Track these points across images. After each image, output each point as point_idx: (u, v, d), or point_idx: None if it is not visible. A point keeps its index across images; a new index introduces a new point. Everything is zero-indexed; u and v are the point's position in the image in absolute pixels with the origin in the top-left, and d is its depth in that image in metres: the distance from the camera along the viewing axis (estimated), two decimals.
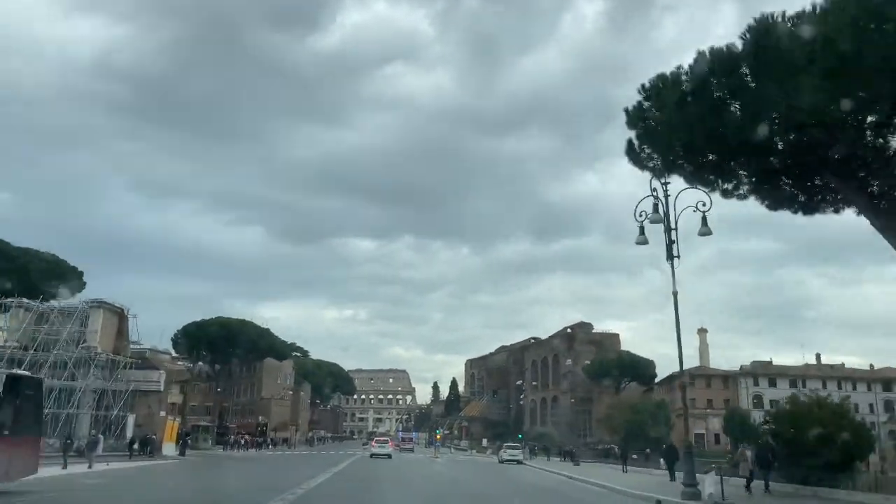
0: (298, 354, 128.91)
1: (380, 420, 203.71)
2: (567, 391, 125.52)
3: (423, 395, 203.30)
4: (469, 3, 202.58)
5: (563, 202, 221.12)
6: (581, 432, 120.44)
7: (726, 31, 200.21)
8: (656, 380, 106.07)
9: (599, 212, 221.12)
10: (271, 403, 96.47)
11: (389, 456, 55.12)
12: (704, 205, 22.68)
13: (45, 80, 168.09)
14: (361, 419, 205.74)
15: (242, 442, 71.13)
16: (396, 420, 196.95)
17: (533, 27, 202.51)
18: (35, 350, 44.32)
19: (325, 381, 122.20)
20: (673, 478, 30.33)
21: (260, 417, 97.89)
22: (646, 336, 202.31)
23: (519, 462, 50.69)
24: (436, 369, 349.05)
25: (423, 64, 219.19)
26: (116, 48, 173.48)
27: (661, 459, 39.47)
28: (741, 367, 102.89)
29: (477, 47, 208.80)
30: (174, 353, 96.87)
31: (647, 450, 66.70)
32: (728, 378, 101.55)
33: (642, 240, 24.47)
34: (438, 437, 68.47)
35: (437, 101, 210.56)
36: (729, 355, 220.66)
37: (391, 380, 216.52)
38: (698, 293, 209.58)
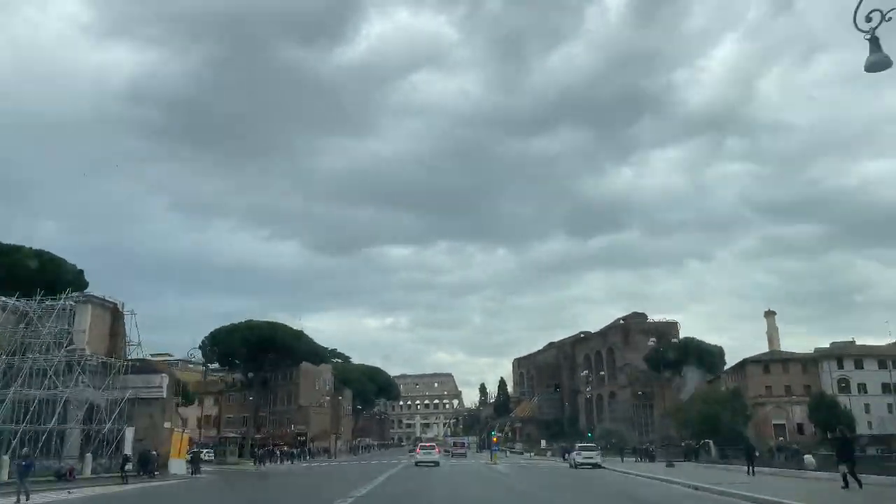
0: (339, 360, 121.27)
1: (427, 425, 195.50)
2: (626, 385, 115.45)
3: (470, 399, 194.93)
4: (491, 5, 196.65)
5: (598, 198, 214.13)
6: (643, 428, 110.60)
7: (758, 13, 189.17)
8: (724, 368, 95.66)
9: (636, 205, 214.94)
10: (310, 411, 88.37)
11: (437, 464, 47.23)
12: None
13: (81, 108, 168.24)
14: (409, 425, 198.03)
15: (278, 454, 62.75)
16: (444, 425, 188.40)
17: (557, 23, 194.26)
18: (13, 355, 36.46)
19: (368, 386, 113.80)
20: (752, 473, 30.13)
21: (299, 426, 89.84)
22: (692, 330, 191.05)
23: (596, 465, 41.57)
24: (480, 372, 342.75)
25: (448, 69, 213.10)
26: (148, 73, 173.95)
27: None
28: (815, 349, 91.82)
29: (501, 48, 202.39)
30: (204, 363, 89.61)
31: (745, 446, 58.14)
32: (807, 362, 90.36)
33: (880, 58, 12.13)
34: (496, 439, 59.38)
35: (465, 104, 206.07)
36: (788, 343, 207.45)
37: (436, 384, 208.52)
38: (745, 281, 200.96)
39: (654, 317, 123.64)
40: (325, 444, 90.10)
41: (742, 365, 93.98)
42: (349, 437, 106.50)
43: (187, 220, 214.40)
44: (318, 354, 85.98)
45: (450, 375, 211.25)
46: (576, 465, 42.12)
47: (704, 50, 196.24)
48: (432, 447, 49.37)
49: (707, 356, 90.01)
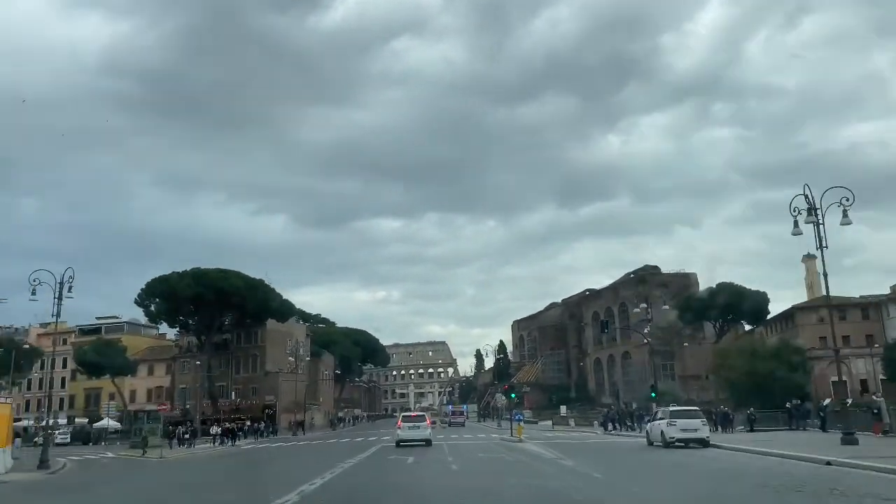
0: (322, 325, 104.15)
1: (422, 395, 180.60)
2: (641, 344, 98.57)
3: (465, 369, 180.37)
4: None
5: (586, 166, 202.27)
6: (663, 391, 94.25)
7: None
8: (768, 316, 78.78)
9: (624, 173, 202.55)
10: (279, 379, 70.96)
11: (428, 443, 31.12)
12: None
13: (56, 82, 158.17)
14: (402, 395, 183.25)
15: (219, 431, 45.62)
16: (440, 394, 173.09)
17: None
18: None
19: (352, 351, 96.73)
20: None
21: (267, 397, 72.63)
22: None
23: (704, 443, 24.59)
24: (473, 343, 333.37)
25: (430, 35, 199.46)
26: (120, 44, 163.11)
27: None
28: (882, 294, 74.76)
29: (485, 13, 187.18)
30: (147, 322, 72.36)
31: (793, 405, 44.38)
32: (868, 307, 73.47)
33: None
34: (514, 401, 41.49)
35: (449, 72, 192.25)
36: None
37: (430, 353, 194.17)
38: (734, 246, 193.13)
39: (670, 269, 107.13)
40: (300, 418, 73.27)
41: (790, 314, 77.12)
42: (330, 409, 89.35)
43: (171, 194, 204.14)
44: (282, 309, 68.46)
45: (444, 343, 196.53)
46: (668, 443, 25.35)
47: (691, 13, 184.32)
48: (421, 419, 32.18)
49: (749, 302, 72.92)
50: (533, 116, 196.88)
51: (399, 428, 30.91)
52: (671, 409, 28.07)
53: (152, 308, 65.40)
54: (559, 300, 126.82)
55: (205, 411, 68.69)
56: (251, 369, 74.77)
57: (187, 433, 46.65)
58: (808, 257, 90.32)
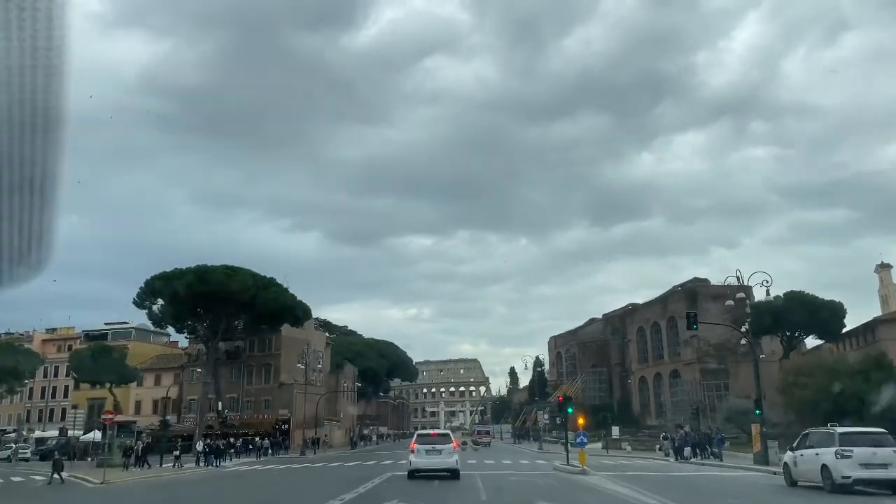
0: (344, 335, 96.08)
1: (453, 413, 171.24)
2: (692, 361, 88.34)
3: (497, 389, 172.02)
4: None
5: (619, 184, 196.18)
6: (714, 413, 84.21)
7: None
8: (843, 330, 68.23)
9: (658, 192, 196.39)
10: (294, 392, 62.60)
11: (454, 474, 21.97)
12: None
13: (97, 102, 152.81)
14: (433, 413, 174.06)
15: (206, 449, 37.29)
16: (471, 413, 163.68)
17: (572, 4, 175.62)
18: None
19: (378, 363, 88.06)
20: None
21: (280, 411, 64.31)
22: None
23: None
24: (505, 363, 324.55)
25: (462, 54, 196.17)
26: (159, 63, 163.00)
27: None
28: None
29: (516, 32, 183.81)
30: (157, 328, 64.87)
31: None
32: None
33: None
34: (582, 422, 30.15)
35: (481, 90, 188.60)
36: None
37: (462, 370, 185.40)
38: (772, 268, 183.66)
39: (721, 279, 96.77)
40: (315, 434, 64.88)
41: (870, 327, 66.66)
42: (351, 426, 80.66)
43: (206, 212, 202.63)
44: (298, 313, 60.08)
45: (476, 361, 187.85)
46: (838, 485, 15.87)
47: (726, 30, 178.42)
48: (443, 440, 22.52)
49: (824, 314, 62.65)
50: (565, 134, 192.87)
51: (412, 452, 21.84)
52: (840, 430, 17.58)
53: (154, 310, 57.65)
54: (600, 315, 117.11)
55: (212, 425, 60.61)
56: (264, 380, 66.72)
57: (176, 450, 38.45)
58: (883, 267, 79.68)
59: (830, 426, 18.36)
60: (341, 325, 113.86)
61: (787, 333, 69.33)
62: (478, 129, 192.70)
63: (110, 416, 32.57)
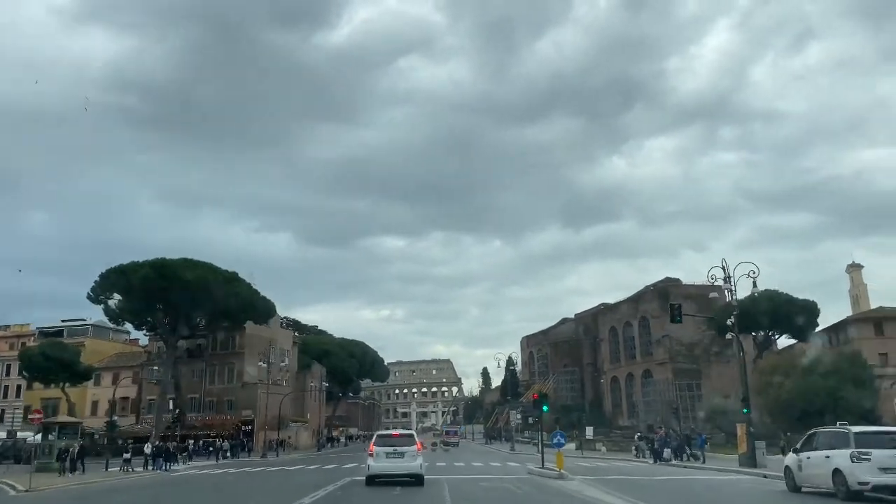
0: (314, 334, 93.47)
1: (425, 414, 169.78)
2: (664, 361, 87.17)
3: (470, 389, 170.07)
4: None
5: (591, 187, 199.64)
6: (687, 413, 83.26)
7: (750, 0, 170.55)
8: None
9: (630, 195, 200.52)
10: (257, 391, 59.84)
11: (417, 479, 19.76)
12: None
13: (63, 96, 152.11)
14: (404, 414, 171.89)
15: (154, 452, 34.64)
16: (443, 413, 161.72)
17: (546, 8, 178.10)
18: None
19: (348, 363, 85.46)
20: None
21: (244, 412, 61.62)
22: None
23: None
24: (478, 364, 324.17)
25: (437, 55, 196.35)
26: (127, 59, 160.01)
27: None
28: None
29: (490, 33, 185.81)
30: (114, 325, 61.80)
31: None
32: None
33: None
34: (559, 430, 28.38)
35: (455, 92, 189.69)
36: None
37: (434, 371, 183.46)
38: (739, 269, 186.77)
39: (694, 280, 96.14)
40: (285, 434, 62.41)
41: (841, 326, 65.90)
42: (318, 427, 77.99)
43: (176, 210, 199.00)
44: (260, 308, 57.38)
45: (448, 362, 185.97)
46: (853, 493, 14.02)
47: (697, 37, 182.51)
48: (406, 441, 20.20)
49: (798, 312, 61.60)
50: (539, 137, 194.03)
51: (371, 455, 19.62)
52: (856, 429, 15.41)
53: (110, 305, 54.60)
54: (572, 315, 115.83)
55: (171, 426, 57.67)
56: (227, 380, 63.93)
57: (127, 452, 35.81)
58: (854, 267, 79.13)
59: (840, 424, 16.38)
60: (312, 325, 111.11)
61: (762, 333, 68.29)
62: (452, 131, 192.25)
63: (38, 417, 29.81)
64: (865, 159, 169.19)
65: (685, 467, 28.75)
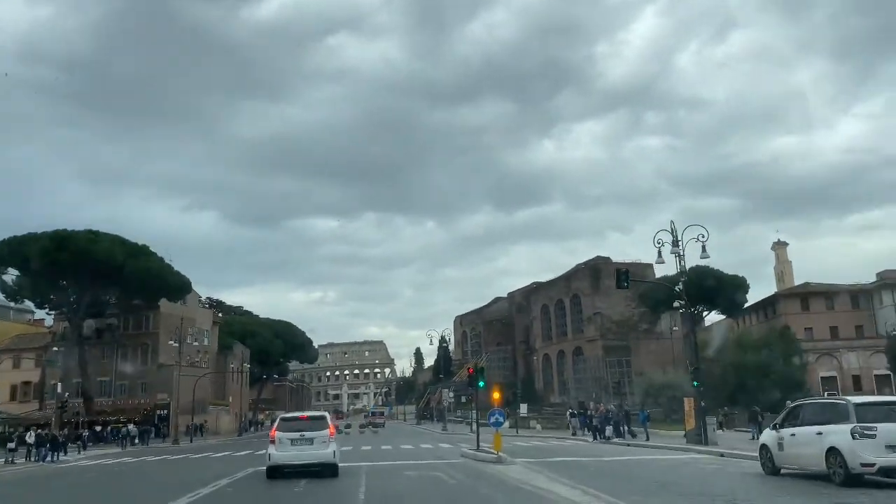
0: (239, 315, 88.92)
1: (357, 396, 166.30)
2: (595, 338, 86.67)
3: (403, 370, 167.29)
4: None
5: (522, 170, 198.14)
6: (619, 390, 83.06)
7: None
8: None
9: (559, 178, 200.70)
10: (173, 373, 55.34)
11: (331, 470, 16.33)
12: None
13: None
14: (336, 396, 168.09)
15: (32, 441, 30.59)
16: (375, 394, 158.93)
17: None
18: None
19: (274, 344, 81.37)
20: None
21: (159, 395, 57.23)
22: None
23: None
24: (412, 345, 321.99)
25: (368, 33, 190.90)
26: (40, 29, 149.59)
27: None
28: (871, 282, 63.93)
29: (422, 13, 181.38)
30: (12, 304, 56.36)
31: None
32: (858, 295, 62.95)
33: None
34: (497, 397, 24.96)
35: (387, 71, 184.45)
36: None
37: (367, 352, 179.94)
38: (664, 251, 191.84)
39: (623, 259, 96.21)
40: (197, 420, 58.20)
41: (770, 301, 66.13)
42: (244, 411, 73.95)
43: (95, 188, 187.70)
44: (172, 284, 52.93)
45: (381, 343, 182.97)
46: (853, 475, 11.41)
47: (624, 22, 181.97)
48: (316, 425, 16.61)
49: (730, 288, 61.27)
50: (471, 119, 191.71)
51: (272, 443, 16.27)
52: (856, 400, 12.64)
53: (7, 281, 49.24)
54: (505, 294, 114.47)
55: (79, 412, 52.95)
56: (140, 361, 59.22)
57: (11, 441, 31.62)
58: (780, 244, 79.91)
59: (828, 395, 14.20)
60: (237, 306, 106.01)
61: (691, 309, 68.02)
62: (384, 111, 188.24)
63: None
64: (782, 146, 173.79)
65: (629, 446, 26.70)
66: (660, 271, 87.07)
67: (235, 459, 25.29)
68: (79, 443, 37.66)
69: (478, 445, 22.61)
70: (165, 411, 56.64)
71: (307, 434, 16.13)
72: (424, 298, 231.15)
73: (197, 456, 29.07)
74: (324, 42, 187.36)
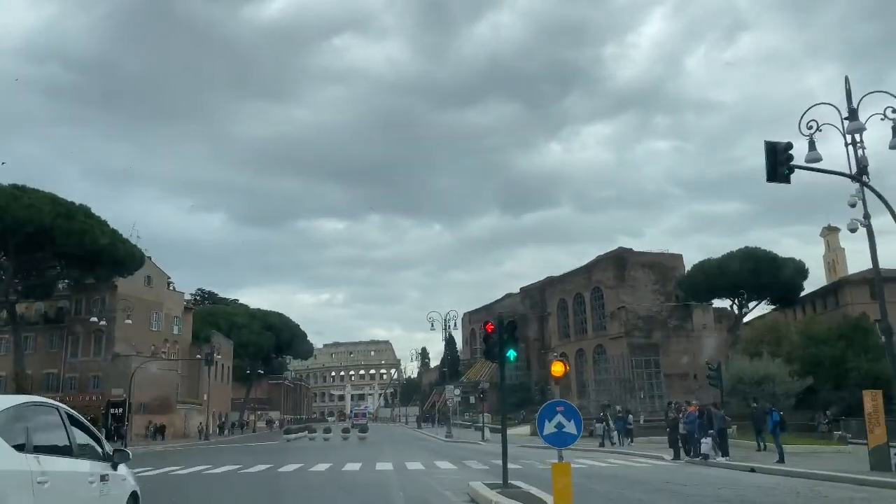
0: (227, 305, 79.03)
1: (361, 397, 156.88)
2: (619, 335, 76.22)
3: (411, 372, 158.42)
4: None
5: (529, 173, 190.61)
6: (646, 392, 72.90)
7: None
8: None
9: (567, 181, 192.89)
10: (131, 366, 45.16)
11: None
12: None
13: None
14: (340, 397, 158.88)
15: None
16: (380, 395, 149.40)
17: None
18: None
19: (263, 337, 71.27)
20: None
21: (115, 390, 47.11)
22: None
23: None
24: (418, 347, 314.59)
25: (373, 34, 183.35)
26: (45, 29, 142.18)
27: None
28: None
29: (428, 14, 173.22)
30: None
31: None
32: None
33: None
34: (558, 372, 13.45)
35: (392, 72, 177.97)
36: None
37: (373, 353, 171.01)
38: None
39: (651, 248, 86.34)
40: (159, 422, 48.06)
41: (832, 289, 55.32)
42: (221, 410, 63.68)
43: (102, 188, 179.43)
44: (123, 254, 42.69)
45: (388, 343, 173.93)
46: None
47: (633, 25, 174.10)
48: None
49: (785, 275, 50.67)
50: (477, 121, 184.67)
51: None
52: None
53: None
54: (517, 290, 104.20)
55: None
56: (94, 351, 49.14)
57: None
58: (830, 230, 68.97)
59: None
60: (234, 299, 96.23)
61: (738, 299, 57.33)
62: (389, 112, 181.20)
63: None
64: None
65: (753, 471, 15.51)
66: (688, 263, 77.04)
67: None
68: None
69: (504, 480, 11.40)
70: (121, 409, 46.49)
71: None
72: (431, 301, 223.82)
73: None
74: (329, 43, 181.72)
